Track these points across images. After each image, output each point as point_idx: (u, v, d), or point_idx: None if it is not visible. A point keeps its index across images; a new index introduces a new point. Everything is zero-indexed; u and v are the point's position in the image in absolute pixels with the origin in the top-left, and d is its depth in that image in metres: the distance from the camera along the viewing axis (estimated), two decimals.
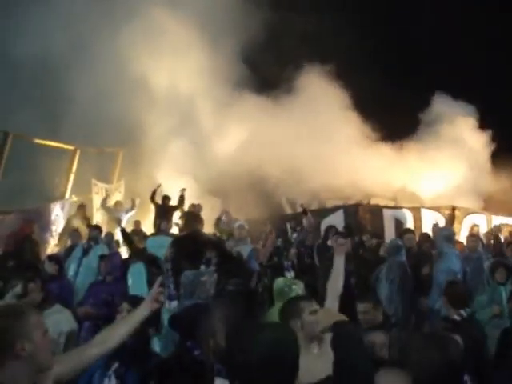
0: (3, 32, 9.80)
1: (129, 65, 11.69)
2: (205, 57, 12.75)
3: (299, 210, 9.96)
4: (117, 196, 11.68)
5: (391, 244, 6.14)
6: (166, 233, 7.69)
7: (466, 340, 2.64)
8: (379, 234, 9.20)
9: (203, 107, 13.16)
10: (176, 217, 10.61)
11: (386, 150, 14.01)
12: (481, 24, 14.15)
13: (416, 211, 10.89)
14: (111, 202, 10.93)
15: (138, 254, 5.56)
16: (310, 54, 13.55)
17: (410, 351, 1.75)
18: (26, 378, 1.72)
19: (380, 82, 13.40)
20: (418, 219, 10.58)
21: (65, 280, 5.29)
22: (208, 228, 9.70)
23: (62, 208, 9.63)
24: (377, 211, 10.88)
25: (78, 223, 8.52)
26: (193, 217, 9.93)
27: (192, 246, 4.74)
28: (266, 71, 13.28)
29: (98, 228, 7.35)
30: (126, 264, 5.62)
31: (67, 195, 10.20)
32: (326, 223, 9.75)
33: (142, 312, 2.30)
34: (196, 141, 12.67)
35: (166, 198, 10.66)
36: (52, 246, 8.88)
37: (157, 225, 9.24)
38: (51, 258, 5.23)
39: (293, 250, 6.57)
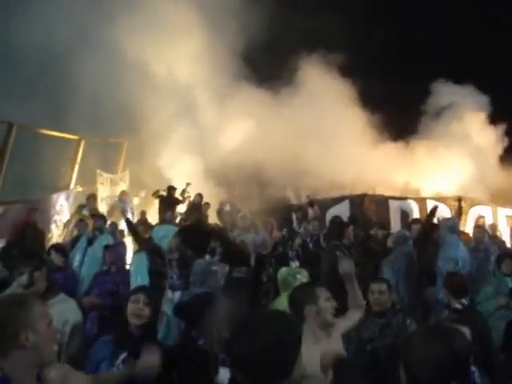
0: (7, 24, 9.77)
1: (131, 54, 11.68)
2: (207, 43, 12.69)
3: (304, 200, 9.96)
4: (122, 186, 11.70)
5: (398, 234, 6.19)
6: (172, 223, 7.71)
7: (471, 331, 2.62)
8: (385, 224, 9.17)
9: (206, 97, 13.12)
10: (180, 208, 10.65)
11: (390, 146, 13.89)
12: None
13: (422, 202, 10.82)
14: (116, 192, 10.96)
15: (142, 243, 5.55)
16: (313, 44, 13.43)
17: (416, 343, 1.72)
18: (29, 368, 1.70)
19: (386, 76, 13.21)
20: (423, 210, 10.51)
21: (70, 270, 5.27)
22: (211, 218, 9.74)
23: (67, 198, 9.63)
24: (383, 202, 10.84)
25: (87, 213, 8.48)
26: (198, 207, 10.06)
27: (197, 235, 4.75)
28: (269, 61, 13.16)
29: (102, 218, 7.34)
30: None
31: (72, 185, 10.20)
32: (331, 213, 9.72)
33: None
34: (199, 130, 12.66)
35: (171, 189, 10.67)
36: (56, 236, 8.90)
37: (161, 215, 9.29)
38: (57, 248, 5.13)
39: (298, 240, 6.57)
